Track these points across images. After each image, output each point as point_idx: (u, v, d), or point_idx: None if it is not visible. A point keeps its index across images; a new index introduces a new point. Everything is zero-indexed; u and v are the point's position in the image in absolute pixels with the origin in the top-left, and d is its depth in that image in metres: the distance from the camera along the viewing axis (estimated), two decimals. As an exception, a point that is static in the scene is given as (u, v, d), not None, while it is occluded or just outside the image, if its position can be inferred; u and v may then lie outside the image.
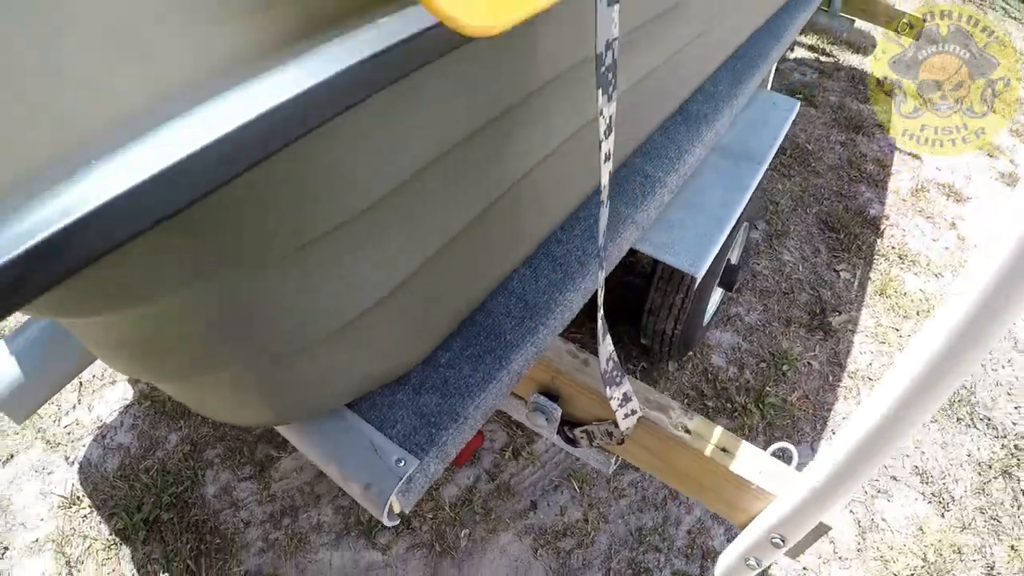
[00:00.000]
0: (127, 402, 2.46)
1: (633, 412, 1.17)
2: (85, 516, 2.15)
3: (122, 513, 2.11)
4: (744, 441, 1.17)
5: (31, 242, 0.44)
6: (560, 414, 1.31)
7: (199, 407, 1.15)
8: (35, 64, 0.48)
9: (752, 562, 1.13)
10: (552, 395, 1.32)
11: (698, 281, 1.79)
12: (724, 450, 1.16)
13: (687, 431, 1.19)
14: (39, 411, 2.43)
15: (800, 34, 3.90)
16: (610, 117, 0.75)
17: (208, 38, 0.54)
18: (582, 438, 1.30)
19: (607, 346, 1.08)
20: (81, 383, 2.53)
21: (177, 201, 0.49)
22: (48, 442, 2.37)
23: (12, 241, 0.44)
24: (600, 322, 1.05)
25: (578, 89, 1.12)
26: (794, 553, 1.14)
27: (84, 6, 0.48)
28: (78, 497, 2.20)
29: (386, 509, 1.00)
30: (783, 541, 1.05)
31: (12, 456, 2.34)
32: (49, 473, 2.28)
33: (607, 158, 0.80)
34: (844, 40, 4.61)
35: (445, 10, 0.45)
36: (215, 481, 2.17)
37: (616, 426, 1.20)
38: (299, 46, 0.55)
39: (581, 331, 2.41)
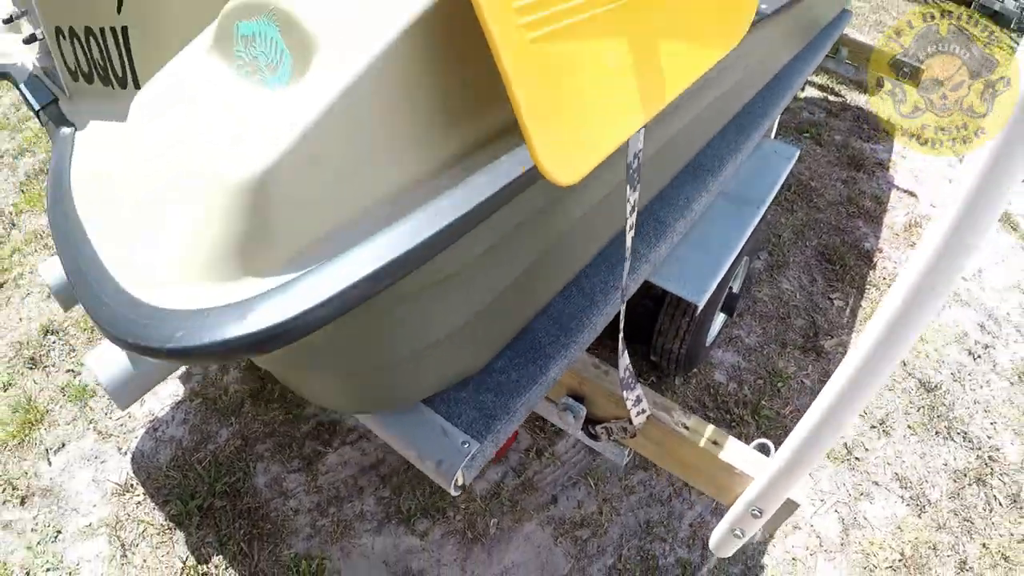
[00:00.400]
0: (178, 398, 2.80)
1: (643, 411, 1.54)
2: (139, 503, 2.46)
3: (176, 500, 2.43)
4: (731, 436, 1.55)
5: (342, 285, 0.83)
6: (585, 413, 1.69)
7: (301, 391, 1.52)
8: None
9: (738, 532, 1.49)
10: (578, 397, 1.70)
11: (700, 308, 2.18)
12: (715, 443, 1.54)
13: (686, 427, 1.57)
14: (90, 403, 2.80)
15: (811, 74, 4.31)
16: (634, 201, 1.14)
17: (405, 165, 0.94)
18: (602, 433, 1.68)
19: (625, 358, 1.46)
20: (136, 382, 2.91)
21: (404, 271, 0.88)
22: (100, 433, 2.69)
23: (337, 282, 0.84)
24: (621, 341, 1.44)
25: (606, 170, 1.52)
26: (771, 526, 1.51)
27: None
28: (132, 485, 2.51)
29: (453, 481, 1.37)
30: (760, 512, 1.41)
31: (64, 445, 2.65)
32: (102, 462, 2.59)
33: (631, 228, 1.18)
34: (852, 80, 5.02)
35: (549, 172, 0.82)
36: (266, 472, 2.53)
37: (630, 423, 1.57)
38: (454, 172, 0.95)
39: (599, 347, 2.79)
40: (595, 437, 1.70)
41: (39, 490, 2.52)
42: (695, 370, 2.87)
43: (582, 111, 0.88)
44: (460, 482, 1.39)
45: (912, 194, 4.11)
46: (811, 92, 4.99)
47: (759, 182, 2.54)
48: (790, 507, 1.46)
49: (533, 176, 0.96)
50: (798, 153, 2.75)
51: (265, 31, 0.90)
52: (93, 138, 1.36)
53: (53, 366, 2.95)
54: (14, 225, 3.61)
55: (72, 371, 2.92)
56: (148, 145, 1.05)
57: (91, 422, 2.74)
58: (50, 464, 2.60)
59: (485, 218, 0.94)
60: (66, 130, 1.45)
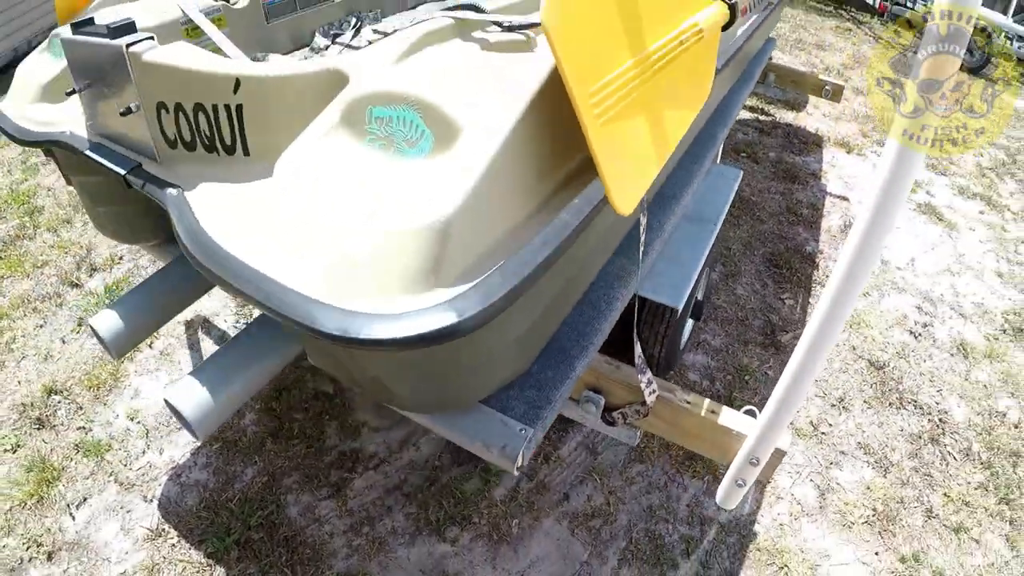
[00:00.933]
0: (197, 444, 3.06)
1: (654, 392, 2.01)
2: (173, 545, 2.69)
3: (212, 539, 2.68)
4: (725, 406, 2.02)
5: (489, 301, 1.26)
6: (603, 402, 2.14)
7: (379, 395, 1.90)
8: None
9: (740, 482, 1.94)
10: (596, 391, 2.16)
11: (679, 312, 2.68)
12: (713, 412, 2.01)
13: (688, 403, 2.04)
14: (107, 457, 3.04)
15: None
16: (644, 223, 1.62)
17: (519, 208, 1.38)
18: (619, 418, 2.13)
19: (638, 348, 1.93)
20: (148, 431, 3.15)
21: (534, 281, 1.31)
22: (121, 484, 2.91)
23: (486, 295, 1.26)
24: (635, 333, 1.91)
25: None
26: (765, 473, 1.98)
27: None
28: (163, 530, 2.73)
29: (516, 461, 1.79)
30: (757, 461, 1.88)
31: (85, 499, 2.85)
32: (127, 511, 2.81)
33: (643, 245, 1.66)
34: (780, 100, 5.76)
35: (617, 205, 1.29)
36: (297, 503, 2.84)
37: (643, 404, 2.04)
38: (542, 215, 1.40)
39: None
40: (612, 423, 2.15)
41: (65, 544, 2.71)
42: (671, 372, 3.36)
43: (629, 162, 1.36)
44: (520, 463, 1.80)
45: (844, 198, 4.79)
46: (743, 114, 5.70)
47: (712, 201, 3.09)
48: (779, 455, 1.93)
49: (599, 207, 1.44)
50: (741, 174, 3.32)
51: (403, 115, 1.33)
52: (218, 198, 1.69)
53: (62, 425, 3.18)
54: (-4, 291, 3.84)
55: (83, 428, 3.15)
56: (308, 200, 1.41)
57: (111, 475, 2.95)
58: (74, 519, 2.80)
59: (574, 241, 1.39)
60: (172, 191, 1.78)
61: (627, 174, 1.35)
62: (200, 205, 1.70)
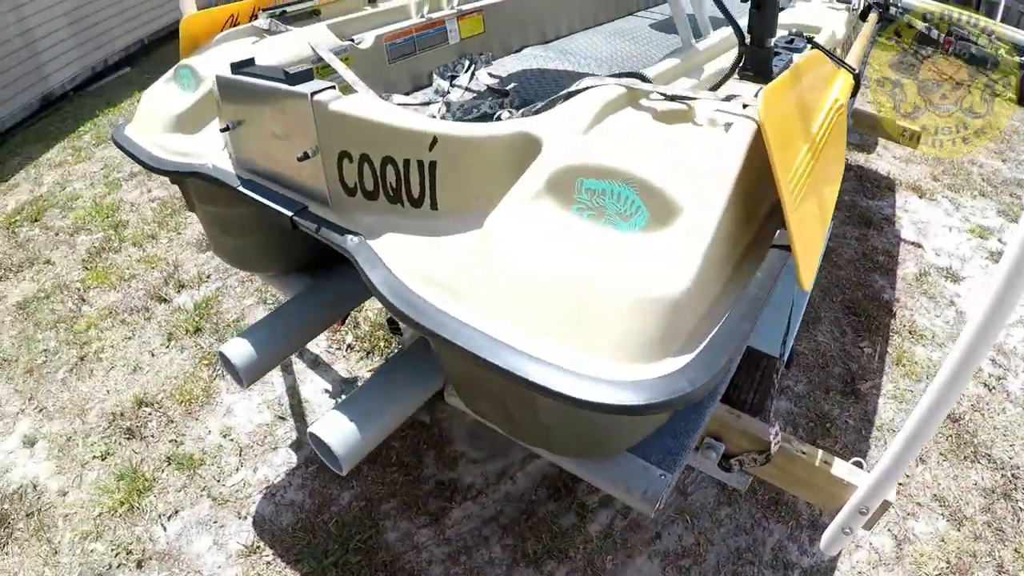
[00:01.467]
0: (293, 465, 3.42)
1: (778, 443, 2.37)
2: (269, 563, 3.03)
3: (308, 559, 3.02)
4: (836, 457, 2.38)
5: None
6: (723, 449, 2.50)
7: (530, 440, 2.24)
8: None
9: (847, 530, 2.29)
10: (717, 438, 2.52)
11: (784, 361, 3.03)
12: (826, 463, 2.36)
13: (804, 453, 2.40)
14: (199, 471, 3.40)
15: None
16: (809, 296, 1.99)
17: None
18: (735, 465, 2.48)
19: (772, 402, 2.29)
20: (241, 449, 3.52)
21: (743, 346, 1.62)
22: (214, 499, 3.25)
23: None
24: (774, 390, 2.26)
25: None
26: (870, 523, 2.32)
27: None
28: (258, 546, 3.07)
29: (657, 505, 2.12)
30: (866, 511, 2.22)
31: (177, 512, 3.20)
32: (220, 527, 3.15)
33: (794, 304, 2.03)
34: (850, 141, 6.12)
35: (803, 280, 1.61)
36: (395, 529, 3.18)
37: (761, 453, 2.39)
38: (731, 286, 1.73)
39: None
40: (728, 469, 2.51)
41: (156, 554, 3.05)
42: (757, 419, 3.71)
43: (809, 240, 1.71)
44: (659, 506, 2.12)
45: (918, 245, 5.14)
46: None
47: None
48: (885, 506, 2.28)
49: (774, 281, 1.76)
50: (832, 224, 3.69)
51: (618, 190, 1.59)
52: (407, 250, 1.91)
53: (152, 436, 3.54)
54: (84, 300, 4.23)
55: (175, 441, 3.52)
56: (522, 262, 1.63)
57: (203, 489, 3.31)
58: (165, 529, 3.14)
59: (762, 307, 1.71)
60: (353, 239, 2.01)
61: (808, 251, 1.69)
62: (389, 256, 1.93)
